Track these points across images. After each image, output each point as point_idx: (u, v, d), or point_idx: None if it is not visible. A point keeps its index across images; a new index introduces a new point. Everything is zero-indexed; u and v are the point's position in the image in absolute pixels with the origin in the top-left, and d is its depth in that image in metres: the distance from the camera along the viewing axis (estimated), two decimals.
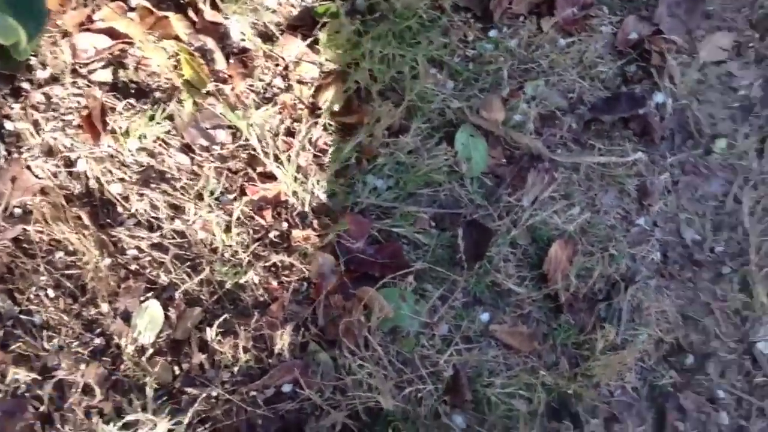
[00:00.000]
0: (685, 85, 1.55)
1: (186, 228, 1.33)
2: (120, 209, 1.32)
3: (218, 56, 1.42)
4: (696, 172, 1.52)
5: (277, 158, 1.37)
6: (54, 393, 1.19)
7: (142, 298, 1.28)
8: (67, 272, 1.26)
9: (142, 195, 1.33)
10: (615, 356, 1.33)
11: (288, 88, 1.45)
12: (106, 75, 1.37)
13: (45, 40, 1.35)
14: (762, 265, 1.43)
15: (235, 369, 1.27)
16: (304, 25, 1.49)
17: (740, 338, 1.40)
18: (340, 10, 1.47)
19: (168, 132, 1.36)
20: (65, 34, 1.37)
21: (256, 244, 1.34)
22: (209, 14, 1.44)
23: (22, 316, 1.23)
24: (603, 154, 1.50)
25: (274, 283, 1.33)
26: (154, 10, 1.40)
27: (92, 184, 1.32)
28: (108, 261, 1.28)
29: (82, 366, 1.22)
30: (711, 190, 1.51)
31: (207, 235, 1.33)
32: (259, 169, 1.39)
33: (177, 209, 1.34)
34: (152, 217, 1.33)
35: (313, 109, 1.45)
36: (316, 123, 1.42)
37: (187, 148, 1.37)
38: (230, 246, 1.33)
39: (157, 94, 1.39)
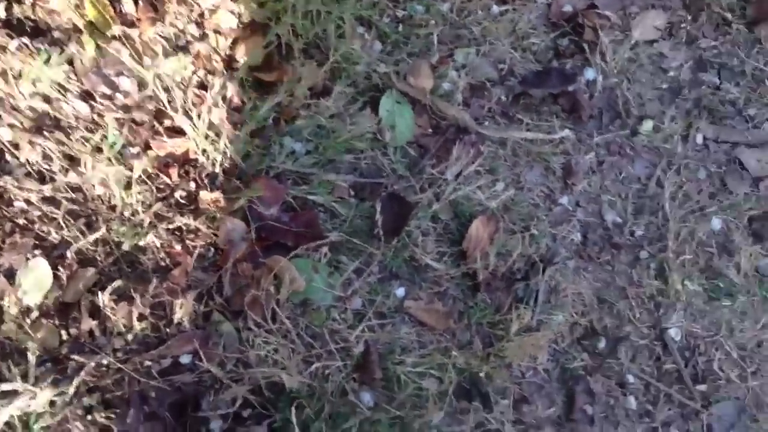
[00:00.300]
0: (616, 63, 1.53)
1: (82, 182, 1.24)
2: (9, 157, 1.24)
3: None
4: (621, 153, 1.50)
5: (186, 113, 1.28)
6: None
7: (28, 256, 1.21)
8: None
9: (33, 143, 1.23)
10: (529, 338, 1.31)
11: (203, 37, 1.36)
12: None
13: None
14: (679, 252, 1.43)
15: (129, 337, 1.20)
16: None
17: (653, 324, 1.40)
18: None
19: (66, 77, 1.26)
20: None
21: (160, 203, 1.26)
22: None
23: None
24: (530, 130, 1.47)
25: (178, 248, 1.26)
26: None
27: None
28: None
29: None
30: (635, 173, 1.50)
31: (105, 191, 1.25)
32: (167, 122, 1.30)
33: (73, 161, 1.25)
34: (45, 168, 1.25)
35: (230, 62, 1.37)
36: (232, 77, 1.34)
37: (87, 95, 1.28)
38: (130, 204, 1.25)
39: (56, 35, 1.30)
